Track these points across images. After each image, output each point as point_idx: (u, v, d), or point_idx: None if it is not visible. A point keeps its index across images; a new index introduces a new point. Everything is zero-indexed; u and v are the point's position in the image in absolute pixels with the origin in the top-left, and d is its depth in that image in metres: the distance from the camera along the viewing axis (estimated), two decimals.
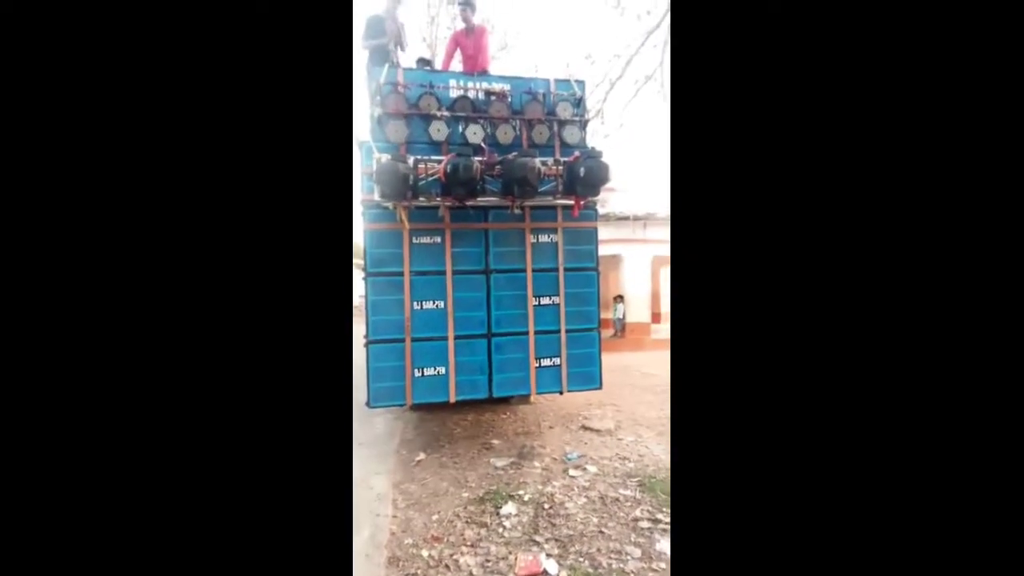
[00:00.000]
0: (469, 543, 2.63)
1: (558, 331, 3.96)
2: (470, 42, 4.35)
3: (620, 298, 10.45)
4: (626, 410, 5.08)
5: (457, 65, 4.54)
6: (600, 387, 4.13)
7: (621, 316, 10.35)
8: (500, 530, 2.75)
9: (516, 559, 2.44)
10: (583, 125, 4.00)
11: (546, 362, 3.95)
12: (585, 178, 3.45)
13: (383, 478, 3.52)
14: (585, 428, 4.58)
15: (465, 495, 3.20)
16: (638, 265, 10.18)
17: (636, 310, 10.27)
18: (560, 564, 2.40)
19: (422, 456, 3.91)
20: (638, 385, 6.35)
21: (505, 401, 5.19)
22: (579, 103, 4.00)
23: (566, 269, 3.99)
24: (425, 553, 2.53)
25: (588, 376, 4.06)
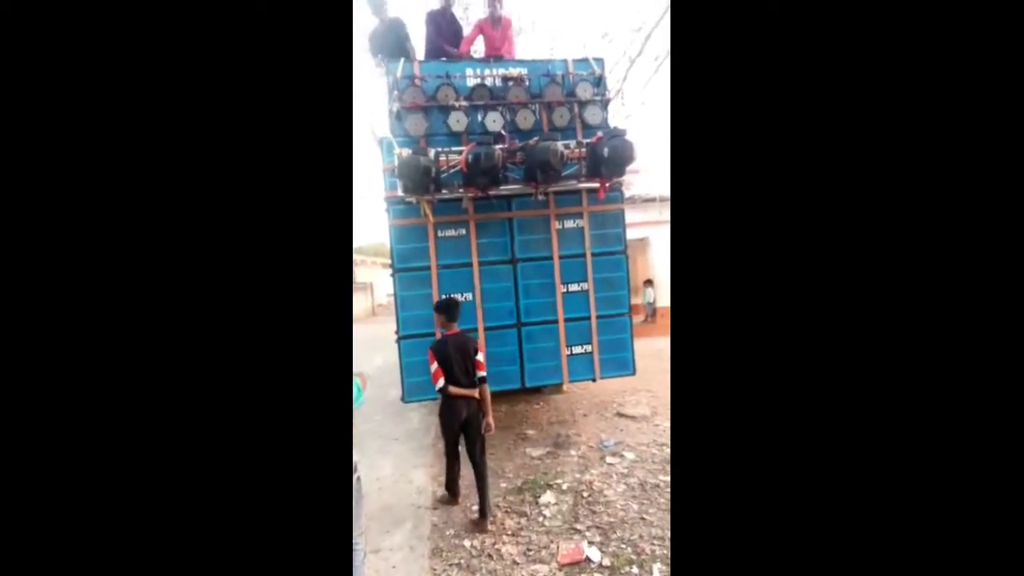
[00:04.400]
0: (510, 532, 2.63)
1: (588, 318, 3.89)
2: (497, 33, 4.28)
3: (650, 282, 10.23)
4: (662, 396, 4.98)
5: (476, 53, 4.48)
6: (634, 373, 4.05)
7: (652, 300, 10.14)
8: (540, 519, 2.74)
9: (558, 547, 2.42)
10: (604, 104, 3.88)
11: (578, 350, 3.89)
12: (609, 158, 3.35)
13: (421, 471, 3.56)
14: (620, 415, 4.52)
15: (503, 485, 3.20)
16: (667, 247, 9.94)
17: (667, 294, 10.06)
18: (602, 551, 2.37)
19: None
20: None
21: (538, 391, 5.17)
22: (599, 82, 3.89)
23: (594, 254, 3.90)
24: (467, 543, 2.54)
25: (621, 362, 3.99)
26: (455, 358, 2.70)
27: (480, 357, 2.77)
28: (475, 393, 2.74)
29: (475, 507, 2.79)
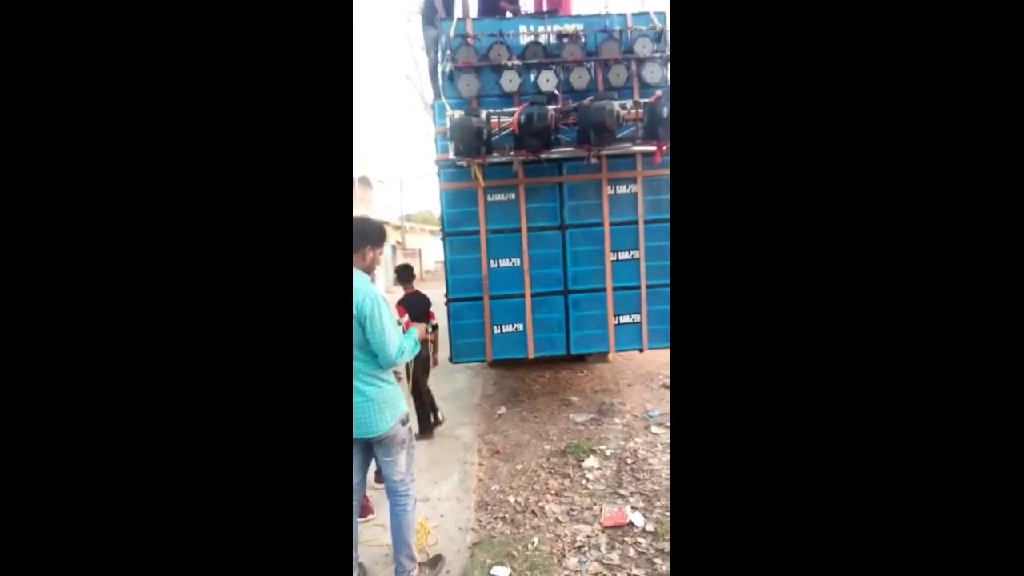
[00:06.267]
0: (553, 492, 2.68)
1: (638, 287, 3.80)
2: None
3: None
4: None
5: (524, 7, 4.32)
6: None
7: None
8: (583, 482, 2.78)
9: (601, 510, 2.45)
10: (665, 61, 3.64)
11: (625, 319, 3.81)
12: (669, 119, 3.17)
13: (468, 429, 3.68)
14: (666, 387, 4.44)
15: (547, 447, 3.25)
16: None
17: None
18: (646, 517, 2.38)
19: (503, 410, 4.02)
20: None
21: (582, 359, 5.15)
22: (660, 37, 3.64)
23: (646, 221, 3.76)
24: (512, 499, 2.62)
25: (671, 333, 3.88)
26: (418, 310, 3.48)
27: (432, 310, 3.62)
28: (431, 337, 3.54)
29: (520, 467, 2.84)
